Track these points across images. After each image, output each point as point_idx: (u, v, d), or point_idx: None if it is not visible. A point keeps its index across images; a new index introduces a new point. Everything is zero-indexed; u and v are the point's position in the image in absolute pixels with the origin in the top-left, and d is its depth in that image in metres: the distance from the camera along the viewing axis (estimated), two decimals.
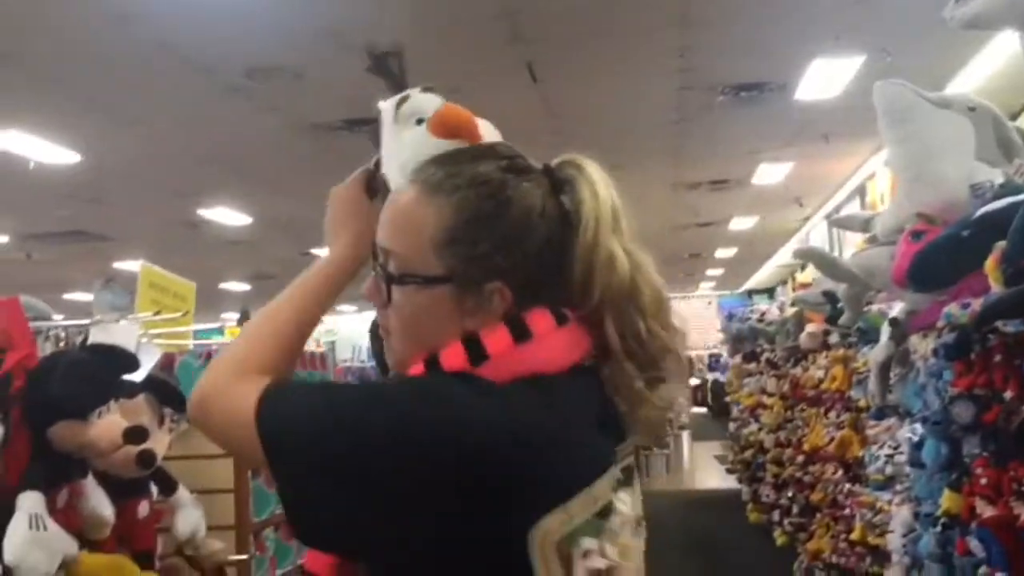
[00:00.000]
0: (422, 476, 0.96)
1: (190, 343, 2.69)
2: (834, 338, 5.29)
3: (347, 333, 17.10)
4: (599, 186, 1.13)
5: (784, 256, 15.51)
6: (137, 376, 1.79)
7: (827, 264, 4.46)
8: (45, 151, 7.40)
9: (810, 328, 5.71)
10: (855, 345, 4.90)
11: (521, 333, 1.06)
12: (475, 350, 1.05)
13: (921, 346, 3.75)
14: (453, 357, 1.06)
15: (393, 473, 0.96)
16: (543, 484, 0.98)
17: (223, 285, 15.85)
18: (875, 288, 4.21)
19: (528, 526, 0.96)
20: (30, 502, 1.49)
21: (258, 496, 2.71)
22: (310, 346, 3.20)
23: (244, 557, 2.51)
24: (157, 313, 2.30)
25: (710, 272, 19.62)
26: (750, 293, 20.87)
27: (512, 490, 0.96)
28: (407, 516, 0.96)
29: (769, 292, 19.34)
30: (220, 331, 8.71)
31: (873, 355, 4.36)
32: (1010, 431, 2.91)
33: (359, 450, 0.98)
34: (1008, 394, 2.91)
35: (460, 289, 1.08)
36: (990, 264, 2.68)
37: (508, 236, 1.07)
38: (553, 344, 1.08)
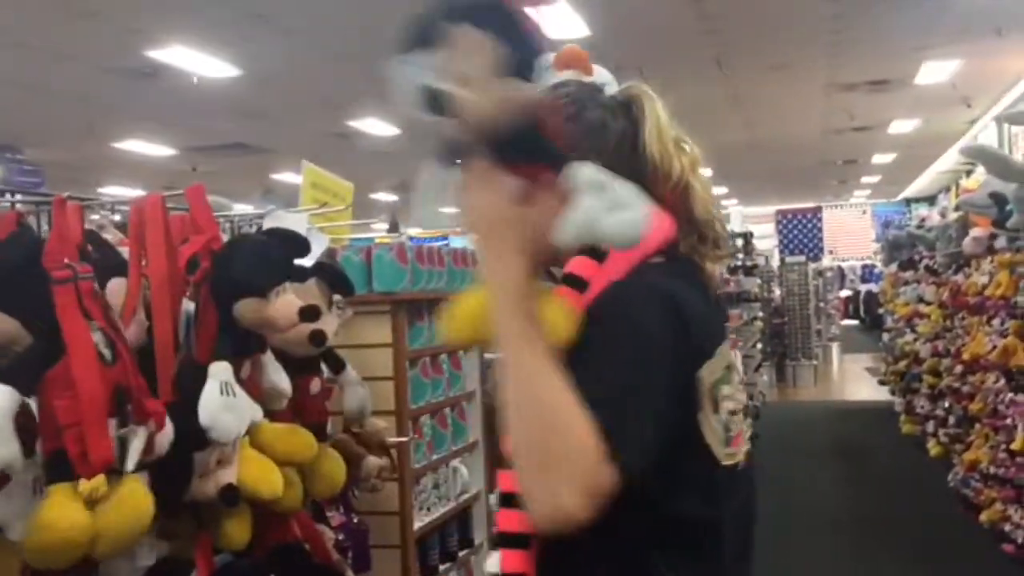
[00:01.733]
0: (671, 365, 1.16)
1: (348, 238, 2.81)
2: (1001, 242, 5.04)
3: None
4: (656, 101, 1.34)
5: (947, 162, 14.64)
6: (308, 261, 1.91)
7: (998, 162, 4.23)
8: (207, 66, 7.73)
9: (975, 232, 5.44)
10: (1023, 249, 4.65)
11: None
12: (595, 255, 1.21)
13: None
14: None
15: (667, 369, 1.16)
16: (701, 343, 1.21)
17: (373, 196, 16.29)
18: None
19: (697, 377, 1.18)
20: (221, 371, 1.64)
21: (415, 384, 2.85)
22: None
23: (404, 439, 2.66)
24: (322, 206, 2.43)
25: (865, 180, 18.77)
26: (908, 201, 19.90)
27: (693, 350, 1.19)
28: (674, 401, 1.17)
29: (930, 200, 18.38)
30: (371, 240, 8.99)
31: None
32: None
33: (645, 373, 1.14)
34: None
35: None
36: None
37: (589, 128, 1.28)
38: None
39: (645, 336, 1.15)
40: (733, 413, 1.23)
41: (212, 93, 8.50)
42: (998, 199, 4.74)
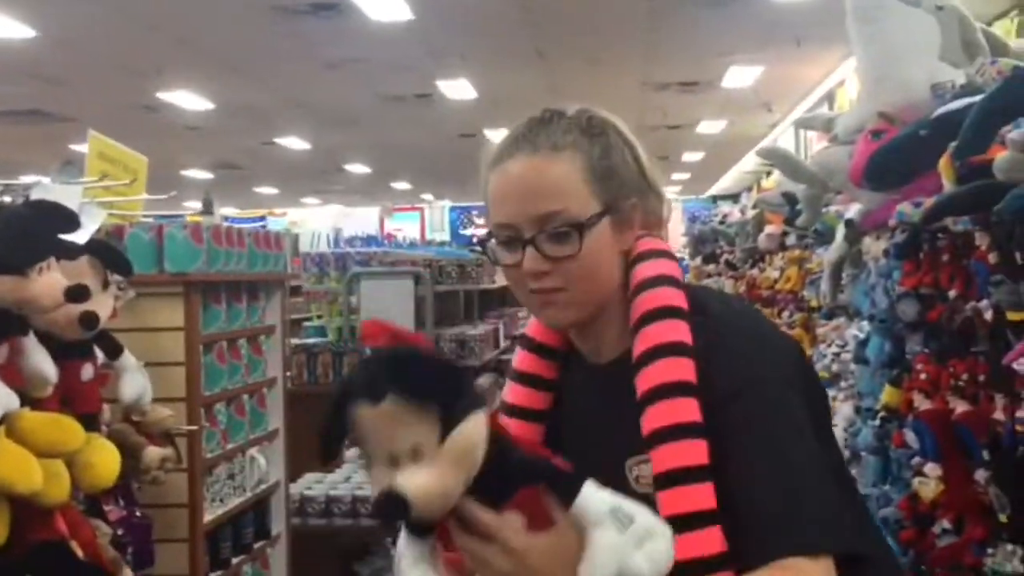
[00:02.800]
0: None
1: (139, 214, 2.65)
2: (791, 239, 5.34)
3: (310, 225, 16.98)
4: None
5: (750, 163, 15.50)
6: (80, 238, 1.77)
7: (789, 163, 4.46)
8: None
9: (769, 229, 5.75)
10: (811, 246, 4.95)
11: (663, 254, 1.28)
12: (672, 283, 1.23)
13: (873, 247, 3.80)
14: (676, 296, 1.22)
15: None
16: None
17: (185, 172, 15.60)
18: (833, 189, 4.23)
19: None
20: None
21: (210, 370, 2.73)
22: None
23: (194, 428, 2.54)
24: (102, 178, 2.26)
25: (676, 176, 19.59)
26: (715, 199, 20.92)
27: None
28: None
29: (734, 198, 19.40)
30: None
31: (827, 256, 4.41)
32: (952, 329, 2.97)
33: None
34: (953, 293, 2.97)
35: (615, 216, 1.24)
36: (944, 162, 2.70)
37: (616, 160, 1.25)
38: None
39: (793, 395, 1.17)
40: None
41: (4, 54, 7.87)
42: (789, 198, 5.01)
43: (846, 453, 4.13)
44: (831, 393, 4.67)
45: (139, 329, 2.50)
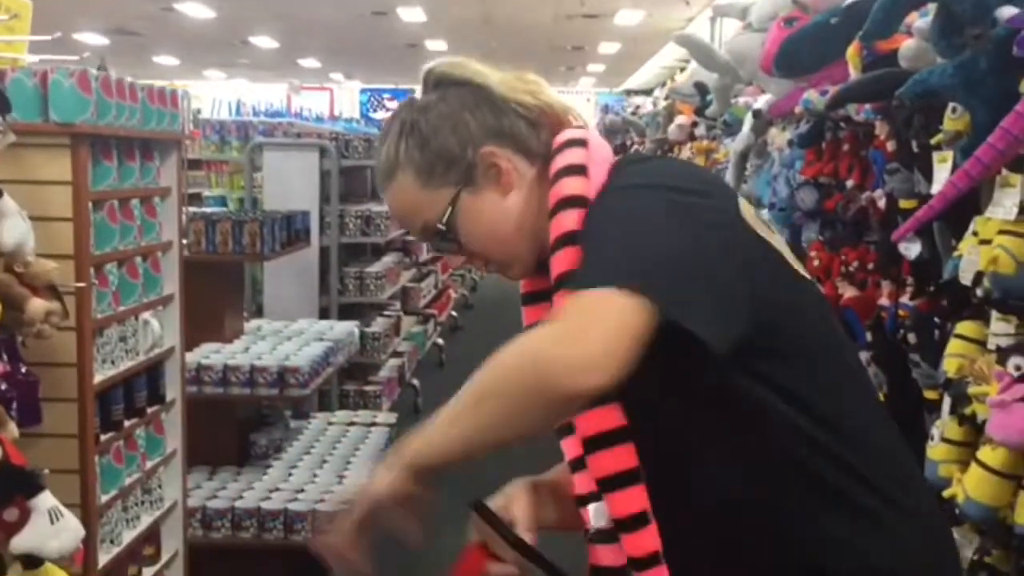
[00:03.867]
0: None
1: (23, 57, 2.49)
2: (700, 130, 5.40)
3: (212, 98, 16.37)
4: (467, 64, 1.34)
5: (667, 57, 15.46)
6: None
7: (702, 50, 4.47)
8: None
9: (679, 120, 5.79)
10: (719, 137, 5.01)
11: (577, 143, 1.27)
12: (577, 171, 1.22)
13: (778, 138, 3.86)
14: (573, 185, 1.21)
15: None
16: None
17: (78, 36, 14.76)
18: (745, 78, 4.26)
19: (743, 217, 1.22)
20: None
21: (100, 229, 2.62)
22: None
23: (82, 285, 2.45)
24: None
25: (591, 68, 19.46)
26: (628, 92, 20.90)
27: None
28: None
29: (648, 93, 19.41)
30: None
31: (733, 146, 4.48)
32: (847, 218, 3.07)
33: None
34: (850, 182, 3.05)
35: (473, 183, 1.28)
36: (852, 50, 2.73)
37: (439, 142, 1.27)
38: (599, 138, 1.31)
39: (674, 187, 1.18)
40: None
41: None
42: (701, 88, 5.03)
43: None
44: None
45: (23, 182, 2.37)
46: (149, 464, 2.94)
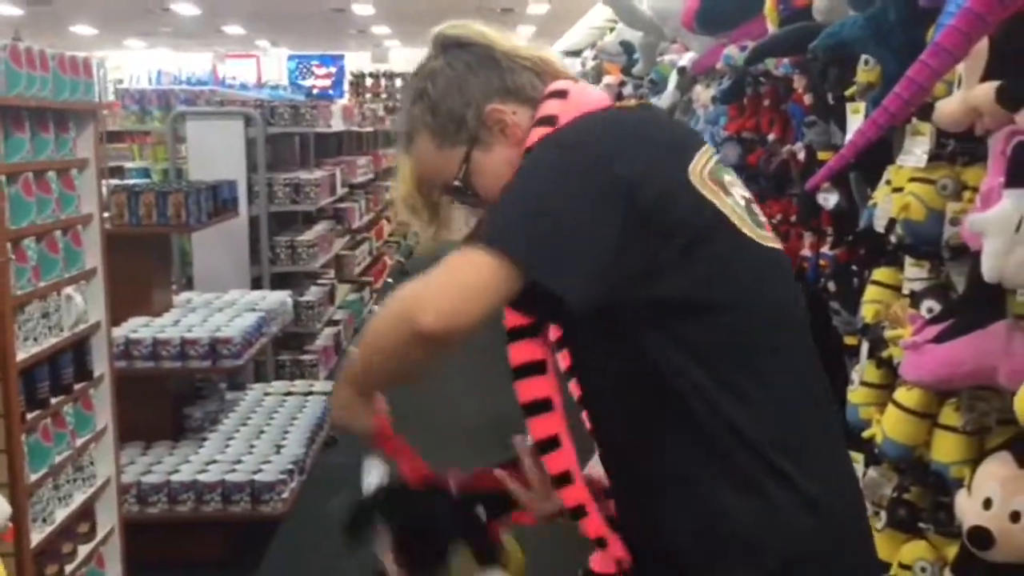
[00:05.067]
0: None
1: None
2: (628, 89, 5.41)
3: (131, 69, 15.94)
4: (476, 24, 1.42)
5: (596, 18, 15.43)
6: None
7: (626, 9, 4.49)
8: None
9: (607, 79, 5.80)
10: (646, 95, 5.03)
11: (557, 94, 1.34)
12: (547, 122, 1.31)
13: (703, 95, 3.90)
14: (536, 135, 1.31)
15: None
16: (664, 139, 1.33)
17: None
18: (668, 36, 4.28)
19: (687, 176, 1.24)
20: None
21: (15, 203, 2.55)
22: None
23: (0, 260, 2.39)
24: None
25: (522, 29, 19.34)
26: (564, 54, 20.85)
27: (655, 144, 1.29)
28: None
29: (577, 54, 19.39)
30: None
31: (659, 103, 4.51)
32: (770, 172, 3.12)
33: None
34: (772, 136, 3.10)
35: (482, 140, 1.36)
36: (769, 5, 2.77)
37: (448, 103, 1.36)
38: (587, 90, 1.38)
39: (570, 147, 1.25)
40: (750, 203, 1.32)
41: None
42: (627, 47, 5.05)
43: None
44: None
45: None
46: (79, 441, 2.90)
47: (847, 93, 2.20)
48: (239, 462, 3.68)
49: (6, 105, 2.47)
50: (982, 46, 1.53)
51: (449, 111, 1.36)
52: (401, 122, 1.43)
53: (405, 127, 1.41)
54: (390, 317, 1.23)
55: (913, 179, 1.89)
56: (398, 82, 14.55)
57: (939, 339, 1.64)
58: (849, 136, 2.12)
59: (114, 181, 4.80)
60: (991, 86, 1.42)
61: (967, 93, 1.52)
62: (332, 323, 6.04)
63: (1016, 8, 1.41)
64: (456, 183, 1.38)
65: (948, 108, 1.58)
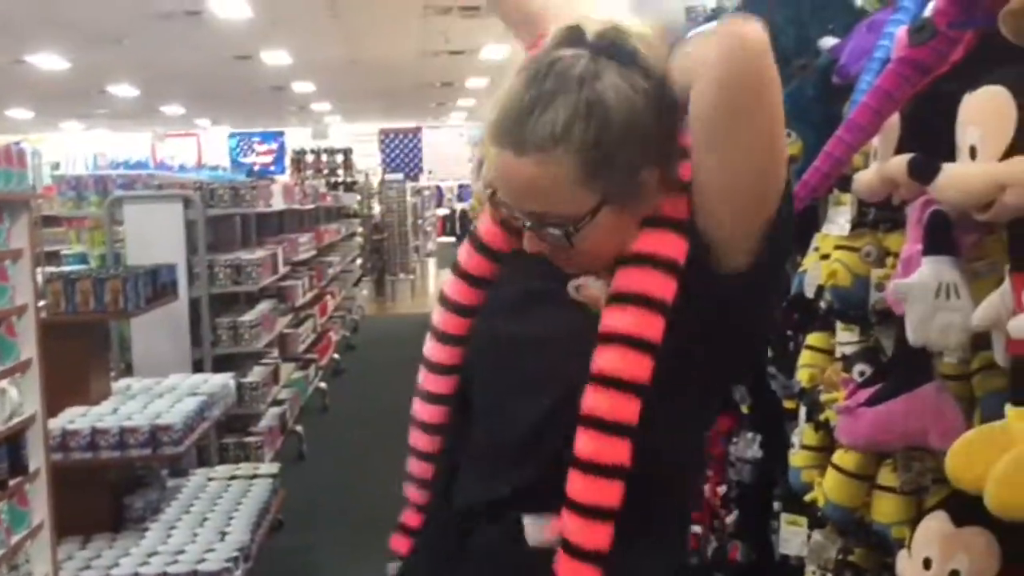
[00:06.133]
0: None
1: None
2: None
3: (68, 151, 15.83)
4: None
5: None
6: None
7: None
8: None
9: None
10: None
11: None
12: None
13: None
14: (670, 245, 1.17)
15: None
16: None
17: None
18: None
19: None
20: None
21: None
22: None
23: None
24: None
25: (461, 103, 19.64)
26: None
27: None
28: None
29: None
30: None
31: None
32: None
33: None
34: None
35: (619, 200, 1.16)
36: None
37: (618, 144, 1.12)
38: None
39: None
40: None
41: None
42: None
43: None
44: None
45: None
46: (14, 539, 2.80)
47: None
48: (181, 552, 3.58)
49: None
50: (894, 120, 1.61)
51: (621, 158, 1.13)
52: (544, 118, 1.12)
53: (545, 129, 1.12)
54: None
55: (838, 247, 1.96)
56: (339, 158, 14.64)
57: (871, 402, 1.68)
58: None
59: (50, 268, 4.73)
60: (904, 159, 1.48)
61: (883, 165, 1.59)
62: (277, 403, 5.96)
63: (922, 86, 1.49)
64: (569, 228, 1.17)
65: (866, 179, 1.65)
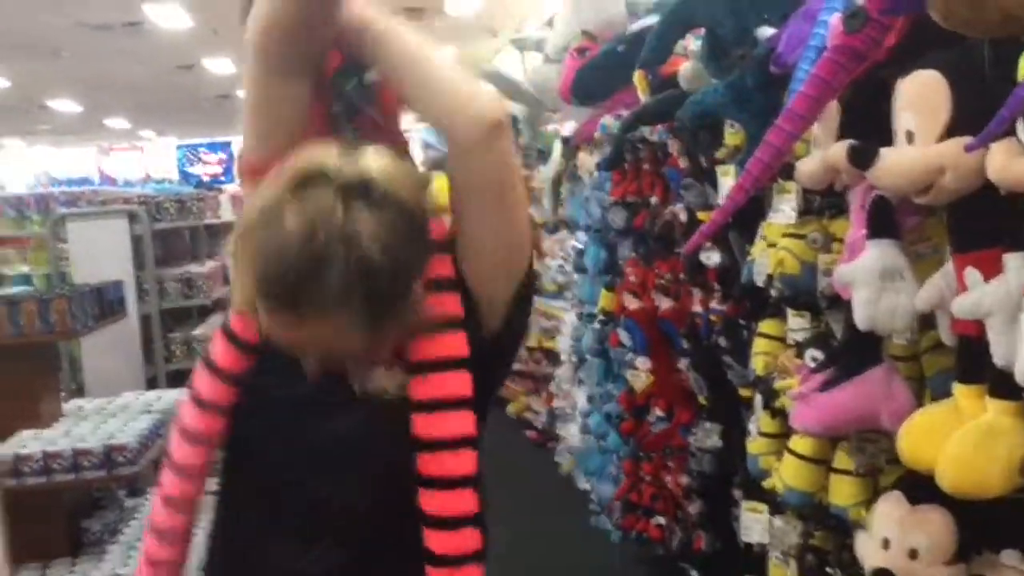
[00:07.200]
0: None
1: None
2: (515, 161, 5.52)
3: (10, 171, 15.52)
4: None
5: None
6: None
7: (507, 84, 4.59)
8: None
9: None
10: (532, 165, 5.15)
11: None
12: None
13: (587, 161, 4.01)
14: None
15: None
16: None
17: None
18: (549, 107, 4.40)
19: None
20: None
21: None
22: None
23: None
24: None
25: None
26: None
27: None
28: None
29: None
30: None
31: (545, 171, 4.61)
32: (655, 232, 3.21)
33: None
34: (654, 199, 3.20)
35: (402, 324, 1.19)
36: (638, 76, 2.87)
37: (389, 282, 1.14)
38: None
39: None
40: None
41: None
42: (512, 120, 5.15)
43: (573, 358, 4.38)
44: (558, 304, 4.91)
45: None
46: None
47: (718, 155, 2.29)
48: None
49: None
50: (833, 107, 1.62)
51: (397, 297, 1.15)
52: (317, 285, 1.10)
53: (320, 294, 1.10)
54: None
55: (785, 234, 1.97)
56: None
57: (824, 387, 1.70)
58: (720, 199, 2.20)
59: None
60: (843, 145, 1.50)
61: (824, 152, 1.60)
62: None
63: (859, 73, 1.50)
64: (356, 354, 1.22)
65: (808, 167, 1.66)
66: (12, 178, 15.64)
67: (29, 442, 3.59)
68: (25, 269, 5.80)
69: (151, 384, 4.92)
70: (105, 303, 3.93)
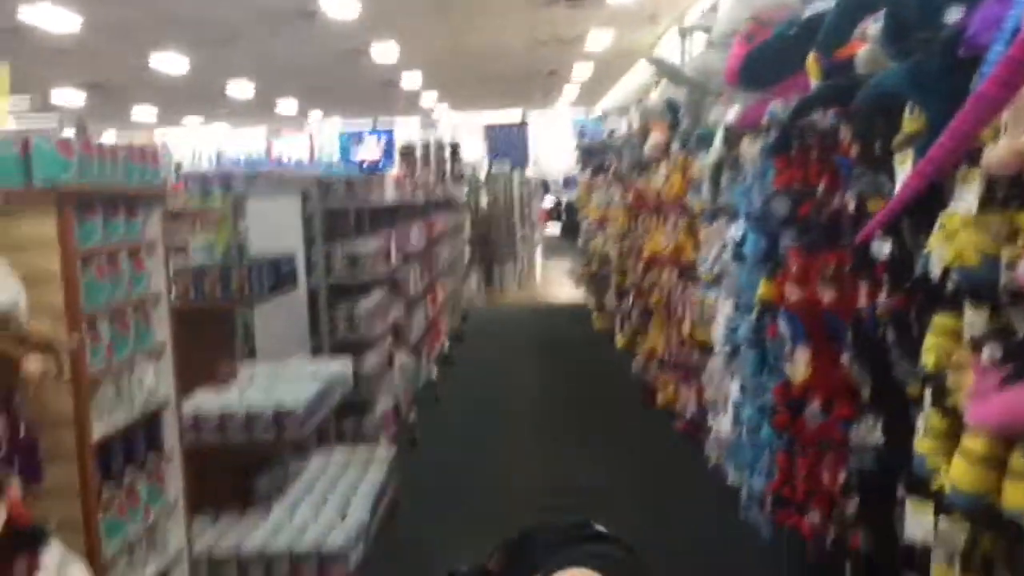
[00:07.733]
0: None
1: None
2: (675, 147, 5.47)
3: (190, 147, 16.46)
4: None
5: (640, 75, 15.60)
6: None
7: (670, 69, 4.57)
8: None
9: (653, 138, 5.86)
10: (693, 152, 5.08)
11: None
12: None
13: (750, 149, 3.93)
14: None
15: None
16: None
17: (56, 90, 14.83)
18: (713, 92, 4.33)
19: None
20: None
21: (89, 285, 2.66)
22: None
23: (76, 342, 2.48)
24: None
25: (567, 90, 19.62)
26: (606, 115, 21.04)
27: None
28: None
29: (623, 112, 19.54)
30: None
31: (707, 159, 4.55)
32: (821, 222, 3.13)
33: None
34: (821, 187, 3.11)
35: None
36: (810, 60, 2.81)
37: None
38: None
39: None
40: None
41: None
42: (672, 106, 5.11)
43: (726, 348, 4.32)
44: (713, 294, 4.85)
45: (11, 246, 2.42)
46: (152, 515, 2.96)
47: (894, 142, 2.22)
48: (305, 530, 3.72)
49: (81, 192, 2.59)
50: None
51: None
52: None
53: None
54: None
55: (966, 225, 1.89)
56: (446, 152, 14.85)
57: (1002, 384, 1.63)
58: (897, 187, 2.13)
59: (179, 259, 4.94)
60: None
61: (1015, 139, 1.53)
62: (390, 389, 6.09)
63: None
64: None
65: (996, 154, 1.60)
66: (191, 155, 16.58)
67: (207, 403, 3.85)
68: (206, 241, 6.17)
69: (315, 353, 5.16)
70: (279, 275, 4.16)
